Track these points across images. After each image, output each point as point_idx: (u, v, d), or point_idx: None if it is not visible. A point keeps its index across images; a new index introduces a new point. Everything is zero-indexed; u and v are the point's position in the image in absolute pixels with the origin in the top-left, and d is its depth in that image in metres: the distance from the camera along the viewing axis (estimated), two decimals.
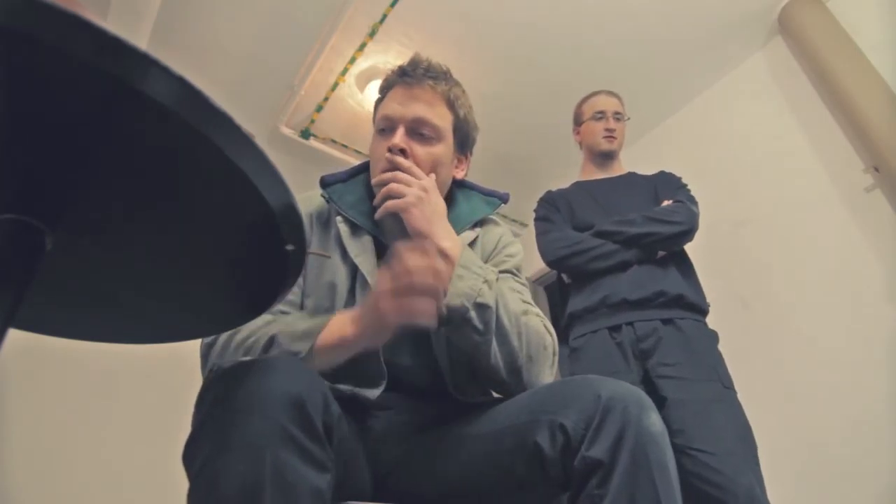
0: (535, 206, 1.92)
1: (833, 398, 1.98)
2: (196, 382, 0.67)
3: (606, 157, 1.85)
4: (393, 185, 0.85)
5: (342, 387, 0.82)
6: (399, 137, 0.89)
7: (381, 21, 2.40)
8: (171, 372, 1.80)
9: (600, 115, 1.82)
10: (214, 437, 0.55)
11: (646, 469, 0.61)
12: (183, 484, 0.56)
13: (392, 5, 2.34)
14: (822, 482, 1.92)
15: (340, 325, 0.75)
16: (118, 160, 0.43)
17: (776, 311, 2.26)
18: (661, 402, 1.45)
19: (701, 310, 1.62)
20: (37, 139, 0.41)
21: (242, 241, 0.54)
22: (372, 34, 2.45)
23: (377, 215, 0.87)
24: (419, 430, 0.85)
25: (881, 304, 1.96)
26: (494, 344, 0.78)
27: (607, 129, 1.81)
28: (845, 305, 2.05)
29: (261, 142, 0.49)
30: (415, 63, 0.94)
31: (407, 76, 0.93)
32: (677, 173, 1.86)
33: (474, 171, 1.07)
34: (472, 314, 0.76)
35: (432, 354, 0.87)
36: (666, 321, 1.56)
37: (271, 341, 0.74)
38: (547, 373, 0.84)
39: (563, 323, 1.74)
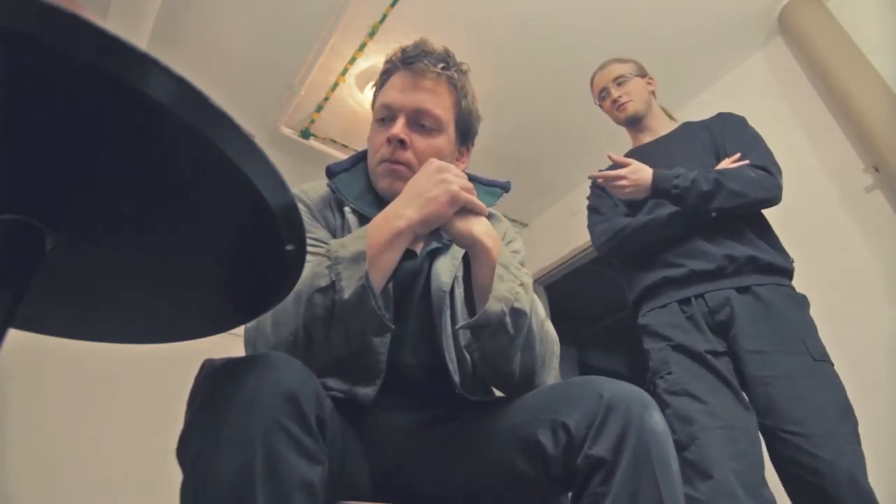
0: (538, 204, 1.87)
1: None
2: None
3: (634, 123, 1.74)
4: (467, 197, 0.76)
5: (336, 387, 0.82)
6: (399, 128, 0.86)
7: (381, 21, 2.40)
8: (171, 372, 1.80)
9: (604, 94, 1.76)
10: (207, 431, 0.55)
11: (648, 467, 0.61)
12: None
13: (392, 5, 2.34)
14: None
15: (386, 218, 0.75)
16: (118, 160, 0.43)
17: None
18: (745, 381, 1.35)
19: (782, 270, 1.46)
20: (37, 139, 0.41)
21: (242, 241, 0.54)
22: (372, 34, 2.45)
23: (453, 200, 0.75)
24: (420, 429, 0.84)
25: (881, 304, 1.96)
26: (521, 349, 0.77)
27: (614, 102, 1.73)
28: (845, 305, 2.04)
29: (261, 142, 0.49)
30: (418, 47, 0.90)
31: (409, 61, 0.89)
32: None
33: (475, 171, 1.05)
34: (508, 319, 0.74)
35: (436, 353, 0.86)
36: (742, 290, 1.42)
37: (329, 269, 0.70)
38: (552, 376, 0.84)
39: (632, 300, 1.62)
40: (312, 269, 0.71)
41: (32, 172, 0.44)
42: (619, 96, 1.72)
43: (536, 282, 3.49)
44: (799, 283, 2.20)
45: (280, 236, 0.49)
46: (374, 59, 2.57)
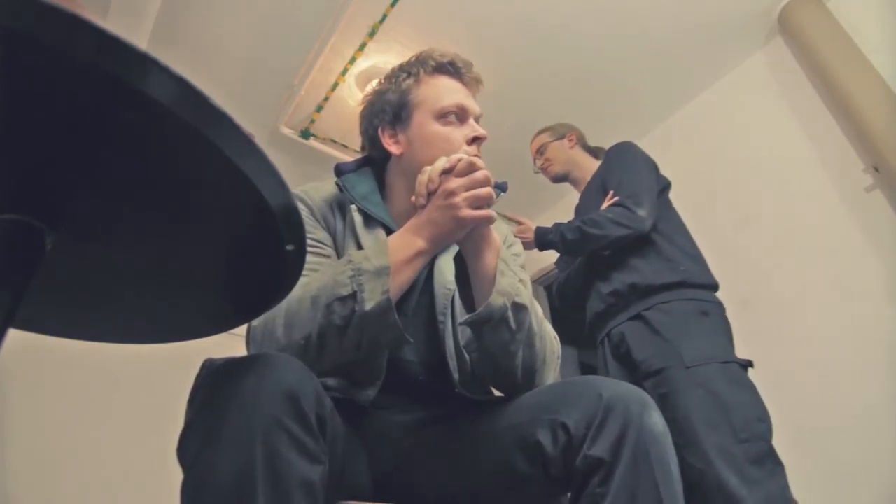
0: (538, 204, 2.01)
1: (833, 398, 1.98)
2: None
3: (561, 181, 1.96)
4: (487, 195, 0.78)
5: (335, 387, 0.82)
6: (483, 129, 0.92)
7: (381, 21, 2.40)
8: (171, 372, 1.79)
9: (535, 163, 2.01)
10: (207, 430, 0.55)
11: (647, 467, 0.61)
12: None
13: (392, 5, 2.34)
14: (821, 482, 1.92)
15: (404, 241, 0.77)
16: (118, 160, 0.43)
17: (776, 311, 2.25)
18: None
19: (663, 287, 1.50)
20: (37, 139, 0.41)
21: (242, 241, 0.54)
22: (372, 34, 2.45)
23: (473, 215, 0.76)
24: (419, 428, 0.84)
25: (881, 304, 1.96)
26: (522, 345, 0.78)
27: (541, 169, 1.99)
28: (845, 305, 2.04)
29: (261, 142, 0.49)
30: (463, 60, 0.96)
31: (462, 71, 0.95)
32: (675, 173, 1.84)
33: None
34: (510, 313, 0.75)
35: (437, 351, 0.86)
36: (633, 318, 1.51)
37: (351, 279, 0.71)
38: (552, 377, 0.84)
39: None
40: (333, 276, 0.72)
41: (32, 172, 0.44)
42: (542, 164, 1.97)
43: (536, 282, 3.49)
44: (798, 283, 2.20)
45: (280, 236, 0.49)
46: (374, 59, 2.57)
